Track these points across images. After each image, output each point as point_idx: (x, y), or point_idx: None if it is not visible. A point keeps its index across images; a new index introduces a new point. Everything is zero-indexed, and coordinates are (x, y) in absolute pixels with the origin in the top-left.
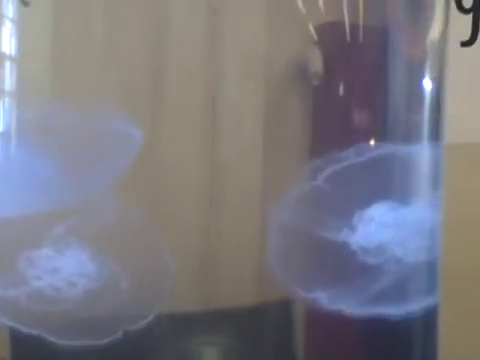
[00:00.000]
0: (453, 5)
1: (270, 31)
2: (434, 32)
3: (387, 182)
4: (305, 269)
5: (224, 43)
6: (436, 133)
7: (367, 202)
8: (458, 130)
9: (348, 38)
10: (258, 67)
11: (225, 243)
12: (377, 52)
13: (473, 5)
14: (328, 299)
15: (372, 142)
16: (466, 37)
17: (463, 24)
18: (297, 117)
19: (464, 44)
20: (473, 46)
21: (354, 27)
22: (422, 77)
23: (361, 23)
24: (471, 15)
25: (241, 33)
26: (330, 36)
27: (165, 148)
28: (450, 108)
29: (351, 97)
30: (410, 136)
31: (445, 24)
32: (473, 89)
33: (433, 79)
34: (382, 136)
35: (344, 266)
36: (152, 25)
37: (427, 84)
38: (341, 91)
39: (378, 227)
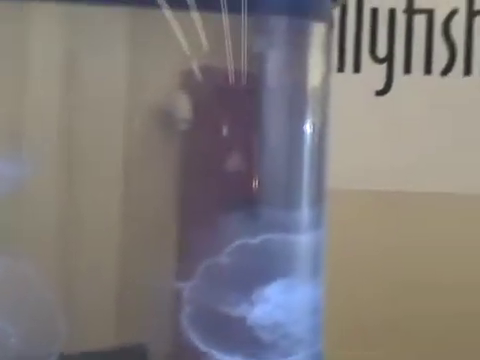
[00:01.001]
0: (366, 54)
1: (133, 75)
2: (315, 78)
3: (281, 264)
4: (199, 332)
5: (84, 87)
6: (318, 182)
7: (264, 281)
8: (375, 176)
9: (220, 83)
10: (120, 111)
11: (85, 289)
12: (252, 98)
13: (387, 55)
14: (216, 354)
15: (252, 187)
16: (380, 86)
17: (377, 73)
18: (162, 163)
19: (379, 93)
20: (387, 94)
21: (226, 72)
22: (303, 123)
23: (236, 68)
24: (385, 65)
25: (102, 77)
26: (199, 81)
27: (28, 196)
28: (366, 153)
29: (223, 144)
30: (291, 185)
31: (326, 71)
32: (388, 136)
33: (314, 125)
34: (259, 186)
35: (239, 337)
36: (14, 68)
37: (308, 130)
38: (212, 137)
39: (273, 306)
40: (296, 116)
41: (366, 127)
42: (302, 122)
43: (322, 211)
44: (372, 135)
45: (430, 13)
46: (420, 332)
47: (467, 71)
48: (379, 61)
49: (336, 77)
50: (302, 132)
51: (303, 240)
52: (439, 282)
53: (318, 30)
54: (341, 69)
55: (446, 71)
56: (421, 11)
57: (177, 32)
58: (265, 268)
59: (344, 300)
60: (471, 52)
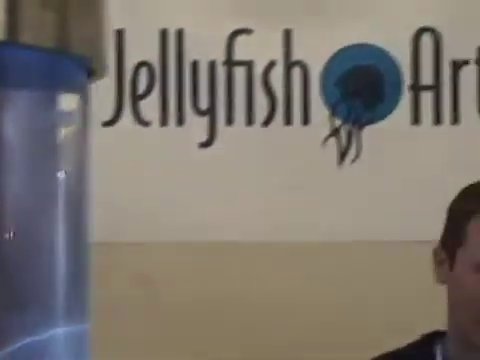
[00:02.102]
0: (189, 107)
1: None
2: (67, 143)
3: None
4: None
5: None
6: (78, 236)
7: None
8: (202, 228)
9: None
10: None
11: None
12: None
13: (209, 107)
14: None
15: None
16: (204, 138)
17: (200, 126)
18: None
19: (202, 145)
20: (211, 146)
21: None
22: (54, 187)
23: None
24: (208, 117)
25: None
26: None
27: None
28: (194, 205)
29: None
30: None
31: (81, 135)
32: (213, 187)
33: (70, 177)
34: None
35: None
36: None
37: (61, 190)
38: None
39: None
40: (46, 178)
41: (191, 179)
42: (53, 186)
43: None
44: (197, 187)
45: (249, 65)
46: None
47: (287, 121)
48: (201, 113)
49: (159, 131)
50: (54, 196)
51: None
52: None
53: (70, 100)
54: (164, 123)
55: (267, 122)
56: (240, 63)
57: None
58: None
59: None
60: (291, 102)
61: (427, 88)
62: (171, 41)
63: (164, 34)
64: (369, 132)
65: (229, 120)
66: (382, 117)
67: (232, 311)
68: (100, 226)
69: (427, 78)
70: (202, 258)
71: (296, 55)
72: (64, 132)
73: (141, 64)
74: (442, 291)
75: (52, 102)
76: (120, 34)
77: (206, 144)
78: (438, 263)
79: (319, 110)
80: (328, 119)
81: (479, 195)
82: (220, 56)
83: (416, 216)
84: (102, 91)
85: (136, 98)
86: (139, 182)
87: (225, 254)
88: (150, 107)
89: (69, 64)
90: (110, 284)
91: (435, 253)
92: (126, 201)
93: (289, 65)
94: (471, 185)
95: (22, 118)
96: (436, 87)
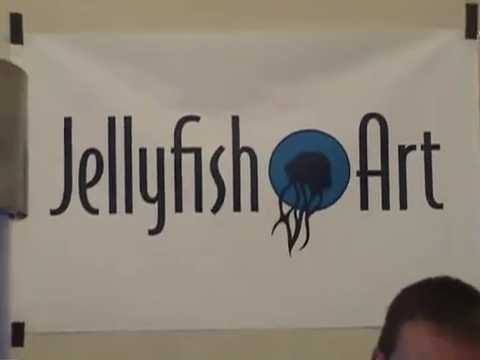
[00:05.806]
0: (137, 194)
1: None
2: None
3: None
4: None
5: None
6: None
7: None
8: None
9: None
10: None
11: None
12: None
13: (157, 194)
14: None
15: None
16: (153, 226)
17: (149, 213)
18: None
19: (151, 232)
20: (160, 233)
21: None
22: None
23: None
24: (156, 204)
25: None
26: None
27: None
28: (141, 293)
29: None
30: None
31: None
32: (162, 274)
33: None
34: None
35: None
36: None
37: None
38: None
39: None
40: None
41: (140, 266)
42: None
43: None
44: (146, 274)
45: (198, 152)
46: None
47: (236, 207)
48: (150, 201)
49: (108, 218)
50: None
51: None
52: None
53: None
54: (113, 210)
55: (216, 208)
56: (188, 150)
57: None
58: None
59: None
60: (239, 188)
61: (374, 173)
62: (119, 128)
63: (112, 121)
64: (317, 217)
65: (178, 207)
66: (330, 202)
67: None
68: (50, 316)
69: (374, 163)
70: (152, 348)
71: (244, 141)
72: None
73: (89, 151)
74: None
75: None
76: (68, 122)
77: (155, 231)
78: None
79: (268, 196)
80: (277, 205)
81: (420, 297)
82: (168, 143)
83: (366, 301)
84: (50, 179)
85: (84, 185)
86: (87, 270)
87: (174, 343)
88: (98, 194)
89: None
90: None
91: (374, 354)
92: (75, 290)
93: (237, 151)
94: (412, 285)
95: None
96: (383, 172)
